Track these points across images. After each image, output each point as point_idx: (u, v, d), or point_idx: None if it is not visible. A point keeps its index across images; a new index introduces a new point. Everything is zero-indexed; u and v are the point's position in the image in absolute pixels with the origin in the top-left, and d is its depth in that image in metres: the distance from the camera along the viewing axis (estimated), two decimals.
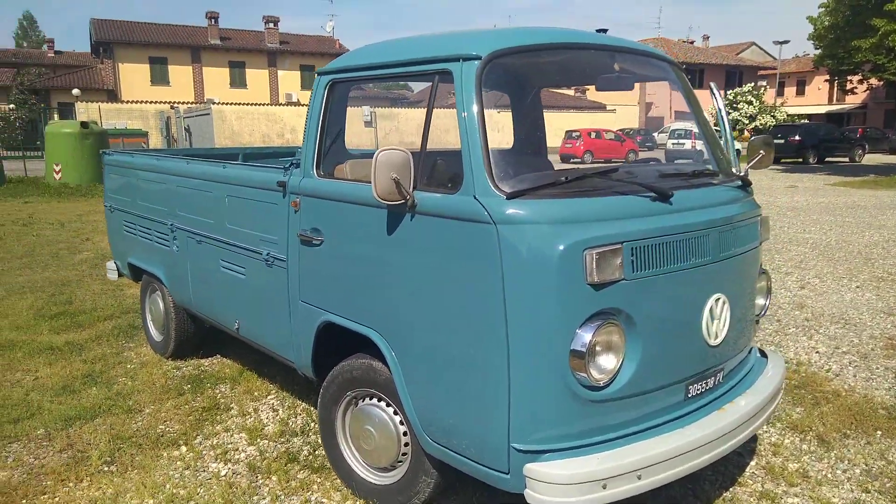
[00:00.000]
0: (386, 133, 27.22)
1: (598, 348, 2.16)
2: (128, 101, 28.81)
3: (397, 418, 2.65)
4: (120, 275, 5.00)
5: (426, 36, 2.69)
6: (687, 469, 2.28)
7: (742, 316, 2.65)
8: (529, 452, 2.14)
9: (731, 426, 2.42)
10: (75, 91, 20.07)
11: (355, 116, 28.90)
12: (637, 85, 3.38)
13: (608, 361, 2.18)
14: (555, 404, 2.14)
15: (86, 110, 24.06)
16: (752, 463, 3.15)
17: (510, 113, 3.48)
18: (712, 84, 3.44)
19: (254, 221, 3.27)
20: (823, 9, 24.01)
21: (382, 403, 2.71)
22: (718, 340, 2.47)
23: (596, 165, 3.10)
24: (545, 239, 2.07)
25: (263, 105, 27.48)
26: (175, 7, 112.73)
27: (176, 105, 23.68)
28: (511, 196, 2.13)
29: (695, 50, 51.77)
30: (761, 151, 3.35)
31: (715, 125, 3.28)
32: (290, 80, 40.02)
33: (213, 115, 19.43)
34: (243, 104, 26.76)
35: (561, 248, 2.06)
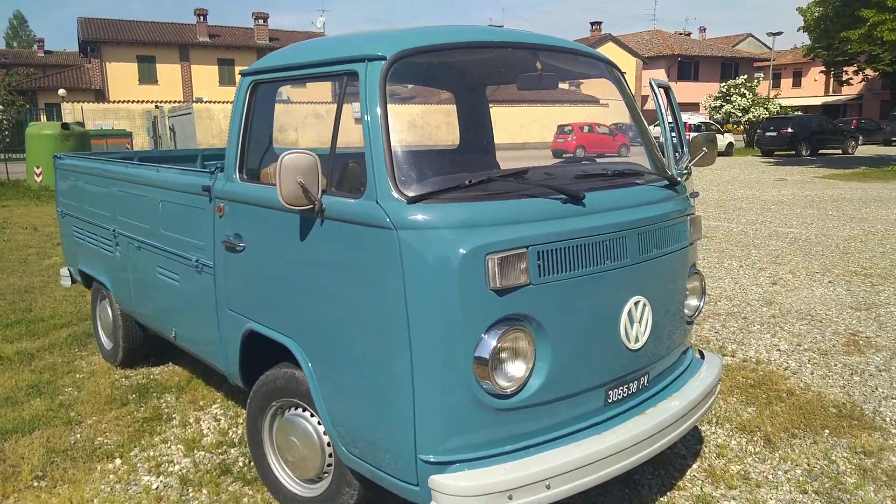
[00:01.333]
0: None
1: (504, 355, 2.10)
2: (115, 101, 28.66)
3: (321, 428, 2.59)
4: (73, 281, 4.93)
5: (341, 36, 2.62)
6: (603, 476, 2.22)
7: (668, 318, 2.59)
8: (436, 464, 2.09)
9: (651, 430, 2.36)
10: (61, 91, 19.95)
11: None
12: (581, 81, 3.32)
13: (516, 369, 2.12)
14: (460, 414, 2.08)
15: (72, 111, 23.96)
16: (695, 466, 3.09)
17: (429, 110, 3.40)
18: (651, 80, 3.37)
19: (184, 227, 3.20)
20: None
21: (307, 413, 2.64)
22: (639, 344, 2.41)
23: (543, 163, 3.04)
24: (445, 244, 2.01)
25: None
26: (164, 4, 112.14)
27: (160, 104, 23.56)
28: (412, 200, 2.07)
29: (690, 42, 51.67)
30: (704, 149, 3.32)
31: (655, 123, 3.22)
32: None
33: (197, 113, 19.32)
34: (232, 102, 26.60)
35: (461, 253, 1.99)
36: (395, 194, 2.08)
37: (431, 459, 2.08)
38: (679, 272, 2.68)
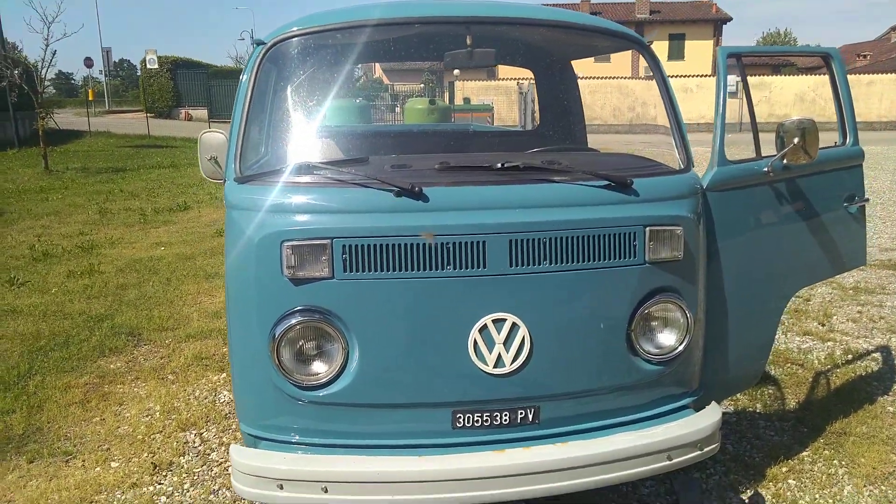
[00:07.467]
0: (756, 103, 24.52)
1: (306, 347, 2.05)
2: (502, 79, 31.61)
3: None
4: None
5: None
6: (409, 500, 1.99)
7: (578, 351, 2.08)
8: (250, 436, 2.18)
9: (494, 472, 1.99)
10: (455, 72, 22.99)
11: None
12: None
13: (317, 364, 2.05)
14: (262, 396, 2.12)
15: (462, 88, 27.49)
16: None
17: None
18: (719, 49, 2.61)
19: None
20: None
21: None
22: (504, 370, 2.02)
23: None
24: (250, 226, 2.04)
25: (620, 78, 27.36)
26: None
27: (521, 81, 25.43)
28: (242, 181, 2.14)
29: None
30: (795, 139, 2.51)
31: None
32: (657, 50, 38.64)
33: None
34: (601, 78, 27.02)
35: (260, 236, 2.01)
36: (236, 173, 2.18)
37: (245, 431, 2.18)
38: (613, 295, 2.10)
